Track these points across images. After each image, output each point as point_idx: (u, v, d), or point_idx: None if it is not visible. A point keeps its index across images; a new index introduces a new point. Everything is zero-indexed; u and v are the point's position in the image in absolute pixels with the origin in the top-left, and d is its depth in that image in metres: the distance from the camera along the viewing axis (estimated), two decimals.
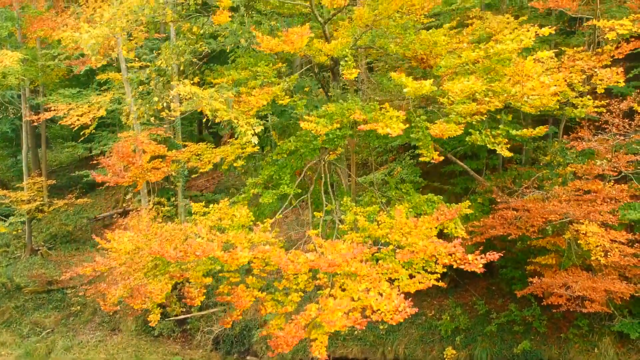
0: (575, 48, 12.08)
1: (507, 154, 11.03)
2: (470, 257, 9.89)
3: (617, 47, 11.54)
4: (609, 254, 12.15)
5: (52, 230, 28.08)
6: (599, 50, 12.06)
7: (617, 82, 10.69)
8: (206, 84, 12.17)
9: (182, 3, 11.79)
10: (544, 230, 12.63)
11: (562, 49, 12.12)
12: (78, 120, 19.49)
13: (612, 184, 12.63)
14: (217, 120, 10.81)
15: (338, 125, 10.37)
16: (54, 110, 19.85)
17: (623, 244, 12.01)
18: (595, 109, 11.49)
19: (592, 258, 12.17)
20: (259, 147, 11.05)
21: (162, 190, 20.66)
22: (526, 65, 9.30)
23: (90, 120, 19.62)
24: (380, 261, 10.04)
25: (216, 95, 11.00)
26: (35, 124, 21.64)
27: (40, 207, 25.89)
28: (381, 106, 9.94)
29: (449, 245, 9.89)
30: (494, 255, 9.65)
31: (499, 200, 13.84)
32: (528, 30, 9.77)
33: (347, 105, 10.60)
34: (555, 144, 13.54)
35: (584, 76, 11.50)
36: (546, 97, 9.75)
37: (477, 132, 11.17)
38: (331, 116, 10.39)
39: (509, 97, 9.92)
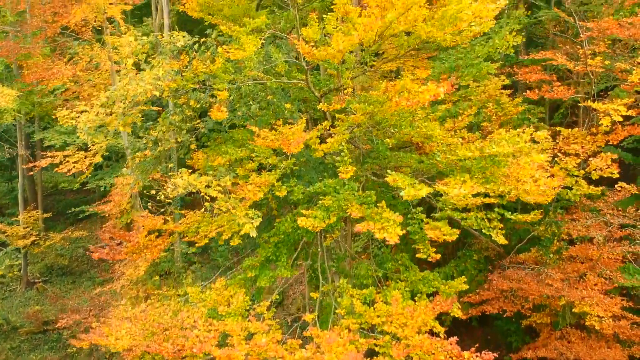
0: (570, 129, 12.16)
1: (503, 240, 11.09)
2: (466, 354, 10.01)
3: (611, 132, 11.64)
4: (603, 320, 12.27)
5: (47, 261, 28.11)
6: (594, 130, 12.14)
7: (612, 174, 10.79)
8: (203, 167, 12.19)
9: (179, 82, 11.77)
10: (540, 306, 12.75)
11: (558, 129, 12.20)
12: (74, 167, 19.46)
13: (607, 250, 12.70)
14: (215, 211, 10.86)
15: (335, 219, 10.42)
16: (50, 157, 19.81)
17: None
18: (591, 191, 11.59)
19: (587, 323, 12.27)
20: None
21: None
22: (521, 173, 9.38)
23: (86, 167, 19.60)
24: (375, 358, 10.12)
25: (214, 183, 11.04)
26: (32, 173, 21.63)
27: (36, 242, 25.88)
28: (377, 204, 10.00)
29: (445, 342, 10.00)
30: (489, 356, 9.77)
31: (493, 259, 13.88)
32: (523, 132, 9.83)
33: (344, 195, 10.64)
34: (551, 214, 13.64)
35: (579, 160, 11.58)
36: (542, 196, 9.84)
37: (473, 217, 11.25)
38: (328, 209, 10.44)
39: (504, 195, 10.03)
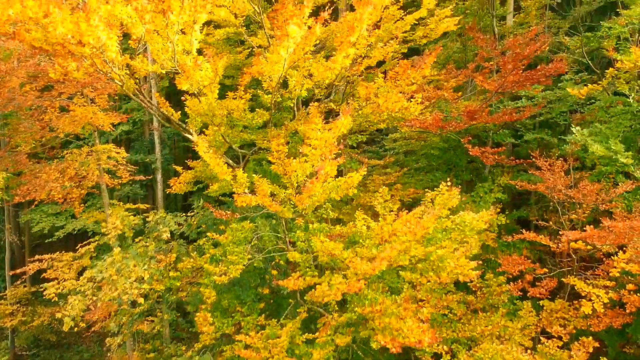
0: (553, 302, 12.32)
1: None
2: None
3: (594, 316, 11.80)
4: None
5: (35, 332, 27.99)
6: (577, 304, 12.30)
7: None
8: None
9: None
10: None
11: (541, 303, 12.36)
12: (62, 274, 19.41)
13: None
14: None
15: None
16: (38, 261, 19.75)
17: None
18: None
19: None
20: None
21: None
22: None
23: (75, 274, 19.59)
24: None
25: None
26: (22, 273, 21.56)
27: (23, 320, 25.78)
28: None
29: None
30: None
31: None
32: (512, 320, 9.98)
33: None
34: None
35: (561, 343, 11.73)
36: None
37: None
38: None
39: None
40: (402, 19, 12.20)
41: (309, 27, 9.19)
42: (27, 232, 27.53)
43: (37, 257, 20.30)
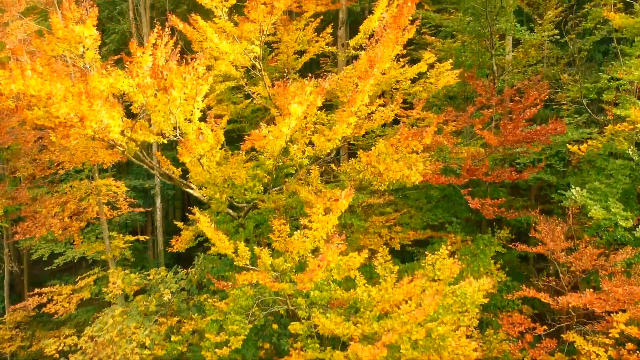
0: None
1: None
2: None
3: None
4: None
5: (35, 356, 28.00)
6: (576, 359, 12.39)
7: None
8: None
9: None
10: None
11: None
12: (63, 307, 19.48)
13: None
14: None
15: None
16: (38, 295, 19.81)
17: None
18: None
19: None
20: None
21: None
22: None
23: (75, 306, 19.66)
24: None
25: None
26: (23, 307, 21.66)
27: (22, 345, 25.78)
28: None
29: None
30: None
31: None
32: None
33: None
34: None
35: None
36: None
37: None
38: None
39: None
40: (401, 81, 12.27)
41: (308, 105, 9.24)
42: (26, 257, 27.51)
43: (36, 290, 20.38)
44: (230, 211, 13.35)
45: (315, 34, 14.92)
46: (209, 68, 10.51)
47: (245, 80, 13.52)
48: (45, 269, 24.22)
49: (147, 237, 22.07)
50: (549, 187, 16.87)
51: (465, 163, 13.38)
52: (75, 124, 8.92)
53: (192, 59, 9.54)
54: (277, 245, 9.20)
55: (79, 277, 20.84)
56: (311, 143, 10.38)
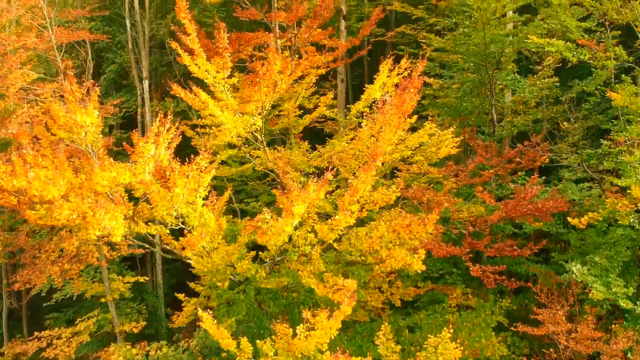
0: None
1: None
2: None
3: None
4: None
5: None
6: None
7: None
8: None
9: None
10: None
11: None
12: (62, 352, 19.48)
13: None
14: None
15: None
16: (37, 339, 19.82)
17: None
18: None
19: None
20: None
21: None
22: None
23: (74, 349, 19.66)
24: None
25: None
26: None
27: None
28: None
29: None
30: None
31: None
32: None
33: None
34: None
35: None
36: None
37: None
38: None
39: None
40: (406, 157, 12.31)
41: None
42: (25, 291, 27.36)
43: (35, 334, 20.36)
44: (232, 277, 13.36)
45: (317, 95, 14.96)
46: (213, 156, 10.50)
47: (246, 146, 13.53)
48: (44, 304, 24.16)
49: (147, 278, 22.04)
50: (549, 235, 16.88)
51: (466, 229, 13.41)
52: (77, 225, 8.91)
53: (194, 156, 9.55)
54: (280, 345, 9.22)
55: (78, 319, 20.84)
56: (313, 231, 10.40)
